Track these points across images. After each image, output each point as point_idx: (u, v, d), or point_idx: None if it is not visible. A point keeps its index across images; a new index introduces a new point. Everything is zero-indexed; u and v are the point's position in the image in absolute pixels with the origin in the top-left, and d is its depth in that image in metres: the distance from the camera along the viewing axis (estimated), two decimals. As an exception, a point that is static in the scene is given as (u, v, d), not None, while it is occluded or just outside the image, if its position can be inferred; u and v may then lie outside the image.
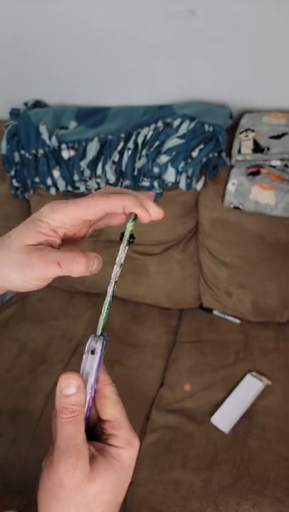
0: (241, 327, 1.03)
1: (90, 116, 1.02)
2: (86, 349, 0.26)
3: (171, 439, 0.81)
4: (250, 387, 0.87)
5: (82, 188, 1.00)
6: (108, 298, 0.27)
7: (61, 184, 1.00)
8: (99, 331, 0.27)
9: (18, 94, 1.11)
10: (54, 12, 0.93)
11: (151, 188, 0.93)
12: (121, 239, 0.28)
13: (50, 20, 0.95)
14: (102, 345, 0.26)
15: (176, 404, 0.88)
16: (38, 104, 1.11)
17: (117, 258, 0.27)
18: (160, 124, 0.91)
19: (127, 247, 0.27)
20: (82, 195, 1.03)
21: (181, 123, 0.89)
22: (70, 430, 0.22)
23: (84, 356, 0.26)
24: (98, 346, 0.26)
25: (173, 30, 0.90)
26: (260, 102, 0.96)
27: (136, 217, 0.27)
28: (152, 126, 0.91)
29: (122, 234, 0.28)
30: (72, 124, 1.02)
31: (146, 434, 0.84)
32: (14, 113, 1.08)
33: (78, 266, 0.24)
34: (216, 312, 1.08)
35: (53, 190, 1.04)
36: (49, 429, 0.89)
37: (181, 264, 1.04)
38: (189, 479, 0.75)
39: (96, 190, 1.00)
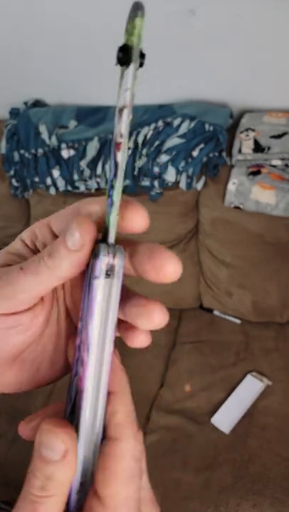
0: (241, 327, 1.03)
1: (90, 115, 1.01)
2: (96, 270, 0.15)
3: (172, 439, 0.81)
4: (250, 388, 0.87)
5: (82, 188, 1.00)
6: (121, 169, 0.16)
7: (61, 184, 1.00)
8: (112, 238, 0.17)
9: (17, 94, 1.11)
10: (54, 12, 0.93)
11: (152, 186, 0.93)
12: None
13: (49, 20, 0.95)
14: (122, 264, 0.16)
15: (176, 405, 0.88)
16: (37, 104, 1.11)
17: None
18: (160, 123, 0.90)
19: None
20: (82, 195, 1.03)
21: (182, 122, 0.89)
22: None
23: (90, 284, 0.16)
24: (118, 263, 0.16)
25: (173, 30, 0.89)
26: (260, 101, 0.96)
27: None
28: (152, 126, 0.91)
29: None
30: (72, 124, 1.01)
31: (147, 435, 0.84)
32: (14, 112, 1.08)
33: None
34: (216, 312, 1.08)
35: (52, 190, 1.03)
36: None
37: (182, 264, 1.04)
38: (189, 480, 0.75)
39: (96, 190, 1.00)
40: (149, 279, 0.18)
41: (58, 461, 0.15)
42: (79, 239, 0.15)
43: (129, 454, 0.16)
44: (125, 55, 0.15)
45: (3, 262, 0.18)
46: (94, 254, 0.16)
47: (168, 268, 0.17)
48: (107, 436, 0.17)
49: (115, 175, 0.16)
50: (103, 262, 0.16)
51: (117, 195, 0.16)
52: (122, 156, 0.15)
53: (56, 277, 0.16)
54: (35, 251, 0.19)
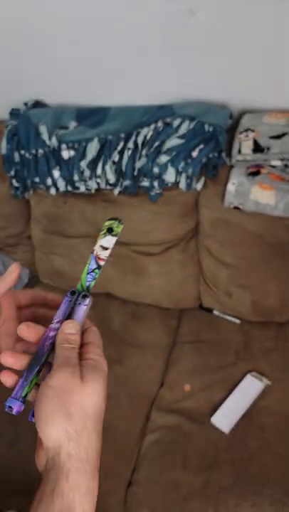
0: (241, 327, 1.03)
1: (90, 116, 1.02)
2: (73, 300, 0.33)
3: (171, 439, 0.81)
4: (250, 387, 0.87)
5: (82, 188, 1.00)
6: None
7: (61, 184, 1.00)
8: (84, 286, 0.34)
9: (18, 95, 1.12)
10: (54, 13, 0.94)
11: (152, 187, 0.93)
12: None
13: (50, 22, 0.95)
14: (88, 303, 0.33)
15: (176, 405, 0.88)
16: (38, 105, 1.11)
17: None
18: (160, 124, 0.91)
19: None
20: (82, 195, 1.03)
21: (181, 123, 0.89)
22: (68, 353, 0.29)
23: (67, 303, 0.33)
24: (86, 302, 0.33)
25: (173, 31, 0.90)
26: (259, 102, 0.96)
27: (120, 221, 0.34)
28: (152, 126, 0.91)
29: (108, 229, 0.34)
30: (72, 124, 1.02)
31: (147, 435, 0.84)
32: (14, 113, 1.08)
33: None
34: (216, 312, 1.08)
35: (52, 190, 1.04)
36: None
37: (181, 265, 1.04)
38: (189, 480, 0.75)
39: (96, 190, 1.01)
40: None
41: (75, 333, 0.31)
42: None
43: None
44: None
45: None
46: (82, 295, 0.34)
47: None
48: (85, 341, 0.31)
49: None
50: (90, 300, 0.33)
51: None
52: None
53: None
54: None
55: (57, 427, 0.25)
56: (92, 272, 0.33)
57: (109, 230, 0.34)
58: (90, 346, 0.30)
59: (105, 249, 0.33)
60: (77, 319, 0.32)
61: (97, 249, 0.33)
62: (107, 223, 0.34)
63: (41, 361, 0.29)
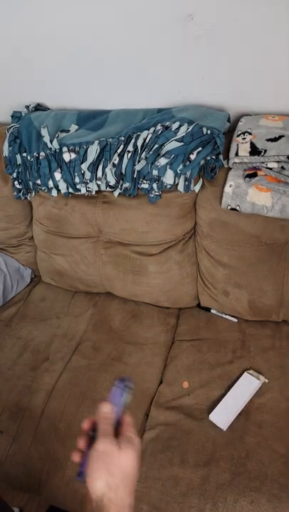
0: (238, 326, 1.04)
1: (91, 119, 1.03)
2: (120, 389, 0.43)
3: (170, 436, 0.82)
4: (247, 385, 0.88)
5: (83, 190, 1.01)
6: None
7: (62, 186, 1.02)
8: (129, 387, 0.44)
9: (19, 98, 1.13)
10: (55, 17, 0.95)
11: (151, 189, 0.95)
12: None
13: (51, 25, 0.97)
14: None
15: (174, 402, 0.89)
16: (39, 108, 1.12)
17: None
18: (159, 127, 0.92)
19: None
20: (83, 197, 1.04)
21: (180, 126, 0.90)
22: (107, 427, 0.40)
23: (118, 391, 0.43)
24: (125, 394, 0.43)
25: (172, 35, 0.91)
26: (257, 105, 0.98)
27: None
28: (151, 130, 0.93)
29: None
30: (73, 127, 1.03)
31: (146, 431, 0.85)
32: (16, 116, 1.10)
33: None
34: (213, 311, 1.09)
35: (54, 192, 1.05)
36: (50, 426, 0.91)
37: (180, 264, 1.05)
38: (188, 476, 0.76)
39: (96, 192, 1.02)
40: None
41: (109, 412, 0.42)
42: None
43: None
44: None
45: None
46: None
47: None
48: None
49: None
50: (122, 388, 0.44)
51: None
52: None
53: None
54: None
55: (101, 480, 0.35)
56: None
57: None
58: (125, 426, 0.42)
59: None
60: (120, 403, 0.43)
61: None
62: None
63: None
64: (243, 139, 0.88)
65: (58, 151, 0.99)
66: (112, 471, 0.35)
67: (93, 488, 0.35)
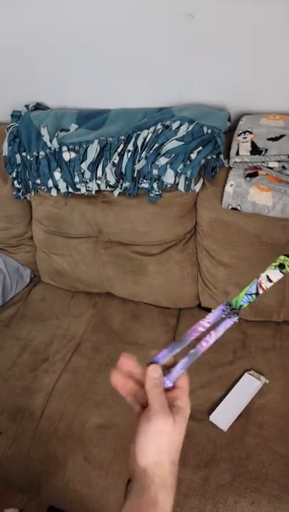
0: (239, 326, 1.04)
1: (91, 118, 1.03)
2: (226, 310, 0.36)
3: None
4: (247, 386, 0.88)
5: (83, 190, 1.01)
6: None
7: (62, 186, 1.02)
8: (238, 304, 0.36)
9: (19, 97, 1.13)
10: (55, 17, 0.95)
11: (151, 188, 0.94)
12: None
13: (50, 25, 0.97)
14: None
15: (175, 403, 0.89)
16: (39, 107, 1.12)
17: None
18: (159, 126, 0.92)
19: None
20: (83, 196, 1.04)
21: (180, 125, 0.90)
22: (161, 400, 0.35)
23: (221, 311, 0.36)
24: (235, 319, 0.35)
25: (172, 34, 0.91)
26: (258, 104, 0.97)
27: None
28: (152, 129, 0.93)
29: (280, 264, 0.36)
30: (73, 127, 1.03)
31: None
32: (16, 115, 1.09)
33: None
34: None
35: (54, 192, 1.05)
36: (49, 427, 0.90)
37: (180, 264, 1.05)
38: (188, 477, 0.76)
39: (96, 192, 1.02)
40: None
41: (159, 377, 0.37)
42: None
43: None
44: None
45: None
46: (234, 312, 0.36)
47: None
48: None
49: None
50: (237, 318, 0.36)
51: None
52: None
53: None
54: None
55: (148, 457, 0.34)
56: (250, 295, 0.36)
57: (281, 266, 0.35)
58: (179, 392, 0.37)
59: (270, 281, 0.35)
60: (219, 331, 0.36)
61: (262, 277, 0.36)
62: (282, 258, 0.35)
63: (184, 345, 0.36)
64: (244, 138, 0.88)
65: (57, 150, 0.98)
66: (160, 450, 0.34)
67: (138, 462, 0.34)
